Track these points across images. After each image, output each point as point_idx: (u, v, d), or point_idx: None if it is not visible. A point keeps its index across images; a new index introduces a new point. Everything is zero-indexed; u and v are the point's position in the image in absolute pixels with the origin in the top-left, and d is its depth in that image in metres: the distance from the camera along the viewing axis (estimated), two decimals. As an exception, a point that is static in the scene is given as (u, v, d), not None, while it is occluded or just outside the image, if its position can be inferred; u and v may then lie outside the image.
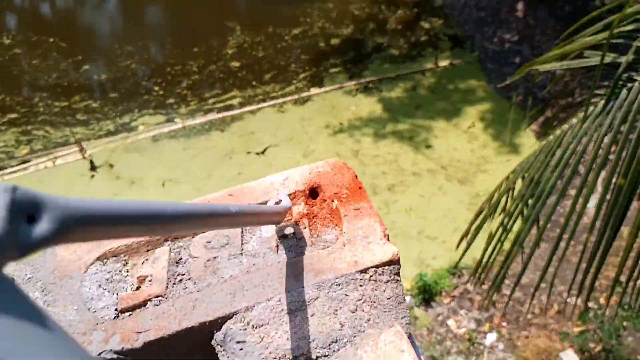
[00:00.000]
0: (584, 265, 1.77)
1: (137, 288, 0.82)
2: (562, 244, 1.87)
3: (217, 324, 0.75)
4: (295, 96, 5.92)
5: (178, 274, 0.82)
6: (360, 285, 0.78)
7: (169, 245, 0.86)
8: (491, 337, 3.68)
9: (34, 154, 5.47)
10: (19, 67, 6.55)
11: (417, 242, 4.36)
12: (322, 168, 0.92)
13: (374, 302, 0.76)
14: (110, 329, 0.76)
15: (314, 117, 5.68)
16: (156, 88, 6.24)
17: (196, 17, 7.52)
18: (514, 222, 2.00)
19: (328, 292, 0.77)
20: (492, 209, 2.13)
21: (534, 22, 5.97)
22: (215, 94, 6.09)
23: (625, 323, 3.44)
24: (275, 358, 0.71)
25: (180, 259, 0.84)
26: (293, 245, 0.84)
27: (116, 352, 0.73)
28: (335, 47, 6.56)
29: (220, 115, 5.81)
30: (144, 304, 0.78)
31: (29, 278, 0.83)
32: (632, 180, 1.62)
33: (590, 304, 3.66)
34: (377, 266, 0.79)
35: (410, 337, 0.74)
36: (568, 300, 3.68)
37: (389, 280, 0.79)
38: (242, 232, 0.86)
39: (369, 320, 0.74)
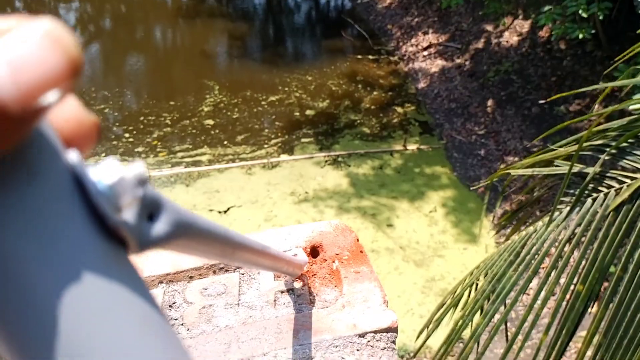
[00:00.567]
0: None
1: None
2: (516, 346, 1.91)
3: (209, 374, 0.72)
4: (265, 160, 5.97)
5: (171, 318, 0.80)
6: (357, 350, 0.77)
7: (163, 287, 0.84)
8: None
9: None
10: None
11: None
12: (325, 228, 0.94)
13: (371, 367, 0.75)
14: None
15: (280, 182, 5.71)
16: (126, 135, 6.19)
17: (177, 73, 7.64)
18: (473, 315, 2.03)
19: (325, 353, 0.76)
20: (454, 302, 2.16)
21: (501, 119, 6.34)
22: (185, 148, 6.07)
23: None
24: (267, 417, 0.68)
25: (174, 302, 0.82)
26: (292, 301, 0.83)
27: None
28: (309, 118, 6.73)
29: (187, 170, 5.77)
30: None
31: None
32: (590, 288, 1.69)
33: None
34: (375, 332, 0.79)
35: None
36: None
37: (385, 348, 0.79)
38: (239, 282, 0.85)
39: (365, 385, 0.73)
